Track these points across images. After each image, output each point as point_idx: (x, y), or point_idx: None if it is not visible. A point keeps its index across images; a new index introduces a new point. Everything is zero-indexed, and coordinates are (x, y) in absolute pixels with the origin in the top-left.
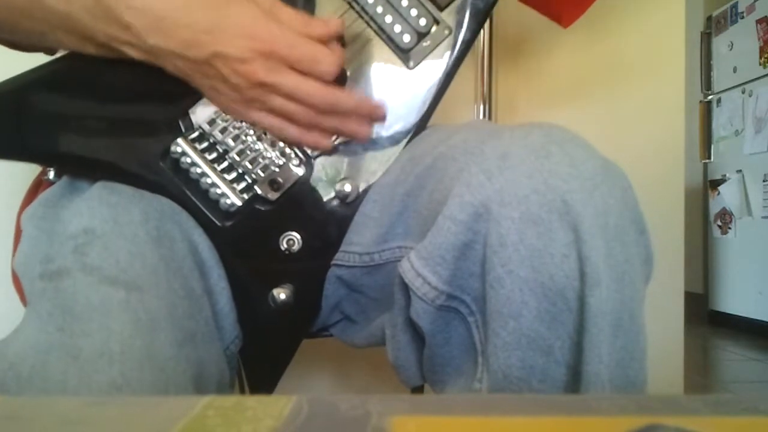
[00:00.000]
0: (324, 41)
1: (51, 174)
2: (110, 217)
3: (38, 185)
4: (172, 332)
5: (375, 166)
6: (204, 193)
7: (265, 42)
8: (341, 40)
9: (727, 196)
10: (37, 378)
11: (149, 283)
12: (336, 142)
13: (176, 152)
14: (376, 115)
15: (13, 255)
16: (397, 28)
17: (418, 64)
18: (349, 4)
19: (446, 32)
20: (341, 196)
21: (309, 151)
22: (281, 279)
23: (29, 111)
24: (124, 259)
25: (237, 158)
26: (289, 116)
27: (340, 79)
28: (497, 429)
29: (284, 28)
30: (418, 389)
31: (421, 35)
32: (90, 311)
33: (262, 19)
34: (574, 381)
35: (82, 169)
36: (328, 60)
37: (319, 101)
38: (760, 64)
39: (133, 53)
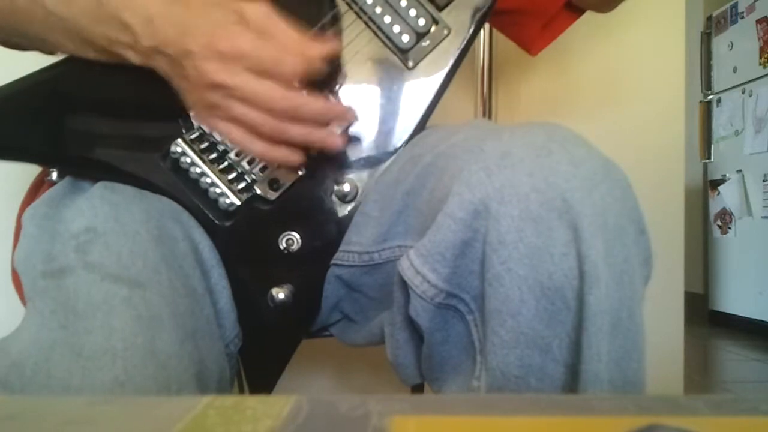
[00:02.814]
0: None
1: (54, 175)
2: (112, 216)
3: (38, 186)
4: (174, 330)
5: (374, 165)
6: (203, 192)
7: (228, 42)
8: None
9: (727, 196)
10: (40, 375)
11: (151, 281)
12: (302, 172)
13: (176, 152)
14: (345, 119)
15: (13, 254)
16: (396, 29)
17: (418, 64)
18: (348, 4)
19: (445, 32)
20: (340, 196)
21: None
22: (280, 279)
23: (32, 112)
24: (125, 257)
25: (236, 158)
26: (253, 126)
27: (320, 88)
28: (497, 429)
29: (249, 36)
30: (418, 388)
31: (420, 35)
32: (92, 309)
33: (239, 24)
34: (573, 380)
35: (84, 169)
36: (292, 61)
37: (279, 104)
38: (760, 64)
39: (131, 56)
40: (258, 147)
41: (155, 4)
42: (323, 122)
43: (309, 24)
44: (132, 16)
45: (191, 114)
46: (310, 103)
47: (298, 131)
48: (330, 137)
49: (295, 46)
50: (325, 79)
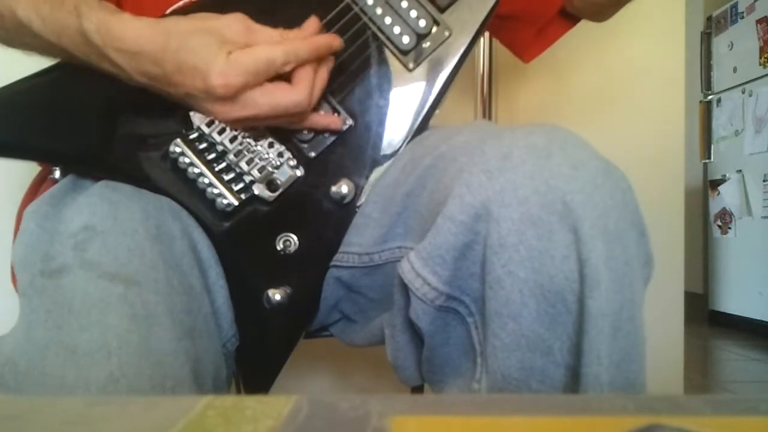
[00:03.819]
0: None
1: (57, 173)
2: (110, 214)
3: (39, 184)
4: (171, 327)
5: (374, 167)
6: (201, 193)
7: (219, 88)
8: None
9: (727, 196)
10: (35, 373)
11: (148, 279)
12: (347, 126)
13: (175, 152)
14: (335, 47)
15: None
16: (397, 30)
17: (418, 65)
18: (349, 5)
19: (446, 33)
20: (338, 198)
21: (306, 152)
22: (277, 280)
23: (35, 112)
24: (123, 255)
25: (234, 159)
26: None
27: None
28: (497, 429)
29: (234, 59)
30: (418, 388)
31: (421, 36)
32: (88, 306)
33: (220, 57)
34: (573, 382)
35: (85, 168)
36: (294, 101)
37: (302, 106)
38: (760, 64)
39: (129, 82)
40: (304, 125)
41: (138, 41)
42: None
43: None
44: (118, 55)
45: (191, 115)
46: (320, 81)
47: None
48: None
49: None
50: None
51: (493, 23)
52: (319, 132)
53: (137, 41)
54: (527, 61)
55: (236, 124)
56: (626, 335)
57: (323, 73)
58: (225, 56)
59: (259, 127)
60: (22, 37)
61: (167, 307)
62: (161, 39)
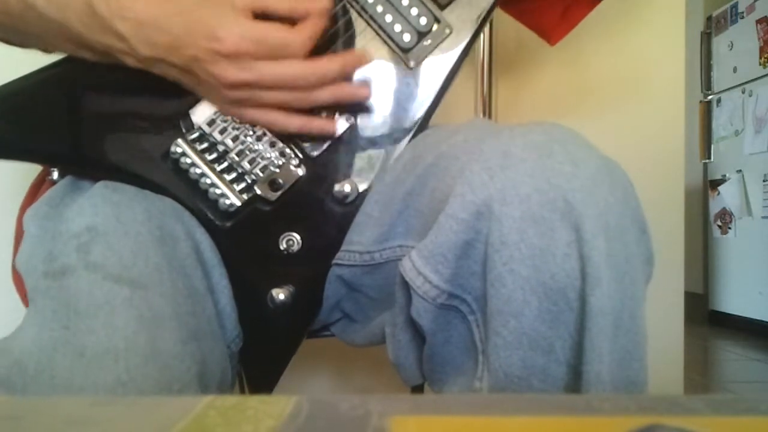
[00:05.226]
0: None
1: (55, 174)
2: (113, 215)
3: (39, 185)
4: (176, 329)
5: (375, 166)
6: (204, 193)
7: (227, 43)
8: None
9: (727, 196)
10: (43, 375)
11: (153, 281)
12: (341, 130)
13: (176, 153)
14: (364, 63)
15: (14, 255)
16: (398, 28)
17: (419, 63)
18: (350, 3)
19: (447, 31)
20: (341, 197)
21: (308, 151)
22: (281, 280)
23: (34, 112)
24: (127, 257)
25: (236, 158)
26: (285, 105)
27: (322, 47)
28: (497, 429)
29: (249, 26)
30: (418, 388)
31: (421, 34)
32: (95, 309)
33: (231, 19)
34: (575, 380)
35: (85, 169)
36: (296, 41)
37: (306, 80)
38: (760, 64)
39: (129, 62)
40: (296, 122)
41: (147, 10)
42: (345, 78)
43: None
44: (125, 25)
45: (192, 115)
46: (331, 64)
47: (327, 95)
48: (359, 89)
49: (290, 11)
50: None
51: (518, 7)
52: (312, 135)
53: (146, 8)
54: (553, 43)
55: (236, 92)
56: (627, 333)
57: (338, 61)
58: (235, 17)
59: (257, 127)
60: (24, 22)
61: (172, 310)
62: (170, 6)
